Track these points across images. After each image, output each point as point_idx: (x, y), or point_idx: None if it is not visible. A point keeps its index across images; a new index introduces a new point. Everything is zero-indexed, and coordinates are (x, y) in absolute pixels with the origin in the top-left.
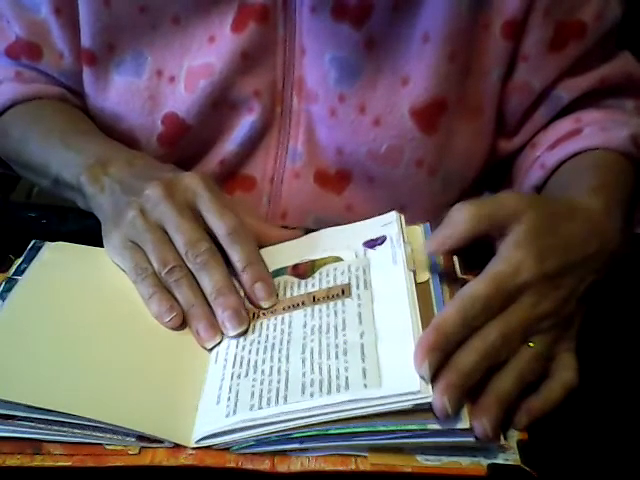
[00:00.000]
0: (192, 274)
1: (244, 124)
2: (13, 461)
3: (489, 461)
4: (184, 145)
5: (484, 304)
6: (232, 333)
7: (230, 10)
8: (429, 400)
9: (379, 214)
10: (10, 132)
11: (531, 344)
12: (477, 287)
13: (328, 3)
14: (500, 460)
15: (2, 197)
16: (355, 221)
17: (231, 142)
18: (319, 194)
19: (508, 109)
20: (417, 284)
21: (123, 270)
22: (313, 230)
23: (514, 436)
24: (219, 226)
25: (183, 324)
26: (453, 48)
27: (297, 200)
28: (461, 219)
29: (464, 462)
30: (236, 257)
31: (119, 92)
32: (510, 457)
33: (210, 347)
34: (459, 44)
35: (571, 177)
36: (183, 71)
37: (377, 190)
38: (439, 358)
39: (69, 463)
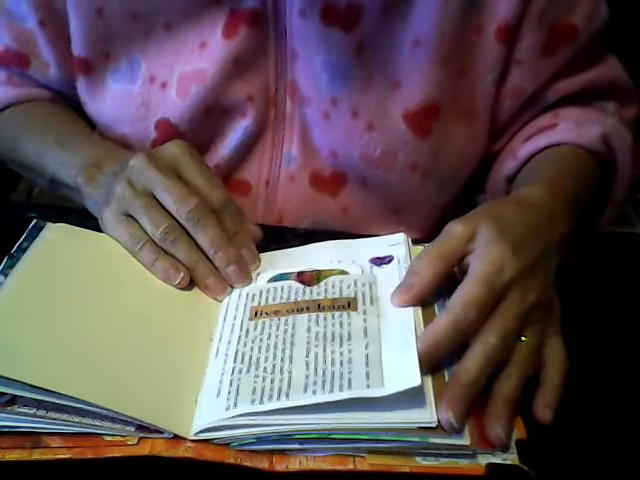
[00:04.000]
0: (187, 232)
1: (238, 129)
2: (12, 456)
3: (487, 461)
4: None
5: (480, 308)
6: (239, 284)
7: (221, 15)
8: (433, 425)
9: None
10: (5, 133)
11: (523, 338)
12: (471, 291)
13: (317, 6)
14: (498, 460)
15: (2, 197)
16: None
17: (225, 147)
18: (314, 197)
19: (500, 112)
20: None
21: (125, 252)
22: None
23: (512, 436)
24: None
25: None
26: (445, 52)
27: (293, 203)
28: (422, 264)
29: (462, 462)
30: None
31: (114, 99)
32: (508, 457)
33: (222, 299)
34: (451, 48)
35: (533, 169)
36: (174, 77)
37: (372, 193)
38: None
39: (68, 455)
